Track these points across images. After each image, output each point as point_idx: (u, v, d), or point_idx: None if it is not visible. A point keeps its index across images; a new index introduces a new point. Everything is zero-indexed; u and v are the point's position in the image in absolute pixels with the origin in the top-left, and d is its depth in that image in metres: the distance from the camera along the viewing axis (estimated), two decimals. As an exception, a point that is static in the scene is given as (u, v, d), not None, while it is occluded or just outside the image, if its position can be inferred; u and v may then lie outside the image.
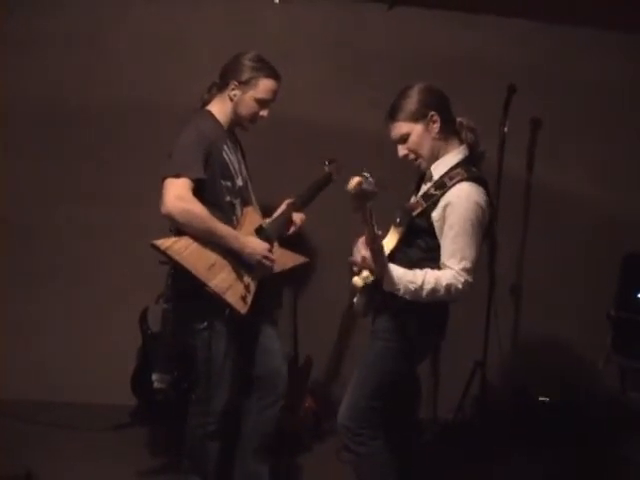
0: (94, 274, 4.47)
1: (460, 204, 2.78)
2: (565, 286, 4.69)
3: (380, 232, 2.65)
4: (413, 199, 2.97)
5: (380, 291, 2.85)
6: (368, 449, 2.99)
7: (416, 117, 2.88)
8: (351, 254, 2.90)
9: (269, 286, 3.34)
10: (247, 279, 3.12)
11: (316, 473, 3.93)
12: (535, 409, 4.52)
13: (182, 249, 2.95)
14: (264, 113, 3.25)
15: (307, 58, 4.50)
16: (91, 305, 4.47)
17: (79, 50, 4.35)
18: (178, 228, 3.02)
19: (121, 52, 4.38)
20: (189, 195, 2.97)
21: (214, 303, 3.02)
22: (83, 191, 4.42)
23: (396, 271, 2.75)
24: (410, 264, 2.81)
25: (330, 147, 3.98)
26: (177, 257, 2.94)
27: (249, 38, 4.22)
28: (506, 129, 4.26)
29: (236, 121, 3.25)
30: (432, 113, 2.87)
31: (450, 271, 2.76)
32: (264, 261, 3.14)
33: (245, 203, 3.27)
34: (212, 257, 3.02)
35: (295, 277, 4.41)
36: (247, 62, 3.18)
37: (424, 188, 2.98)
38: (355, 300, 3.01)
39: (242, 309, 3.07)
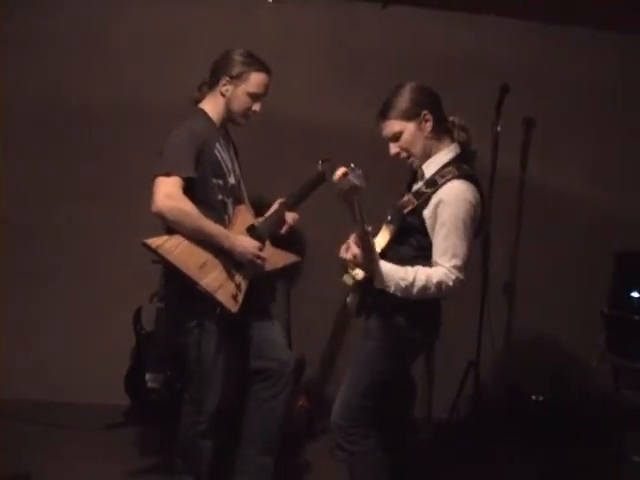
0: (93, 274, 4.47)
1: (451, 202, 2.78)
2: (558, 285, 4.70)
3: (370, 228, 2.65)
4: (405, 197, 2.97)
5: (372, 290, 2.85)
6: (361, 448, 2.99)
7: (409, 116, 2.88)
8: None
9: (263, 284, 3.35)
10: (238, 278, 3.12)
11: (310, 472, 3.94)
12: (528, 408, 4.52)
13: (173, 248, 2.95)
14: (256, 108, 3.25)
15: (301, 57, 4.51)
16: (87, 305, 4.47)
17: (79, 50, 4.36)
18: (169, 227, 3.02)
19: (120, 52, 4.38)
20: (179, 193, 2.97)
21: (205, 302, 3.02)
22: (83, 191, 4.42)
23: (387, 268, 2.75)
24: (402, 262, 2.80)
25: (324, 146, 3.98)
26: (168, 256, 2.94)
27: (244, 38, 4.21)
28: (499, 128, 4.27)
29: (229, 117, 3.25)
30: (425, 112, 2.88)
31: (441, 268, 2.76)
32: (255, 260, 3.14)
33: (237, 202, 3.27)
34: (203, 256, 3.02)
35: (288, 276, 4.42)
36: (237, 57, 3.18)
37: (416, 186, 2.98)
38: (348, 300, 3.01)
39: (233, 308, 3.07)
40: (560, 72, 4.66)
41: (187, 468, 3.26)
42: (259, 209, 3.44)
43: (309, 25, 4.55)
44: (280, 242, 3.44)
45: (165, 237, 2.98)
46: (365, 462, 3.02)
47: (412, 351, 3.07)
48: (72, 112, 4.37)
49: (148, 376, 3.84)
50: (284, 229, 3.39)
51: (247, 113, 3.25)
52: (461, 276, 2.77)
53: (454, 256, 2.76)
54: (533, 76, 4.60)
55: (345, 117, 4.46)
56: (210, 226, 3.03)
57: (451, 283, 2.75)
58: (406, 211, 2.86)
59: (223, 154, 3.20)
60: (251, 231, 3.18)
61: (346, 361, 3.30)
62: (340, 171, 2.50)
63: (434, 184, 2.84)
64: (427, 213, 2.83)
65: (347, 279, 2.90)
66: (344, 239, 2.92)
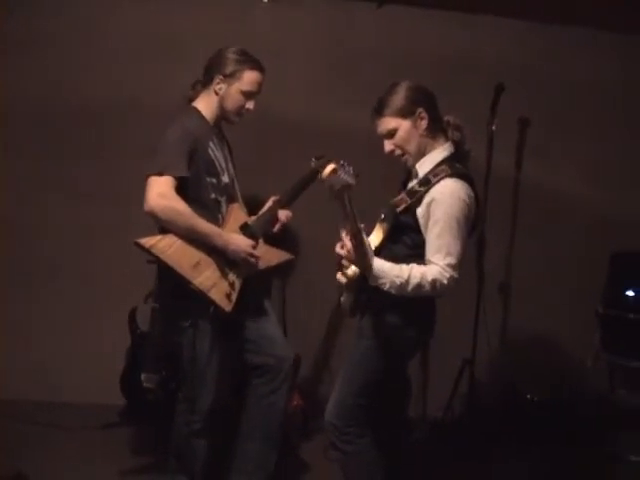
0: (89, 274, 4.47)
1: (444, 200, 2.78)
2: (553, 284, 4.70)
3: (363, 225, 2.65)
4: (398, 196, 2.96)
5: (366, 289, 2.86)
6: (355, 447, 2.99)
7: (404, 113, 2.88)
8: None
9: (257, 283, 3.35)
10: (232, 277, 3.12)
11: (304, 471, 3.93)
12: (524, 407, 4.52)
13: (166, 247, 2.95)
14: (250, 106, 3.25)
15: (297, 56, 4.51)
16: (82, 305, 4.46)
17: (79, 50, 4.35)
18: (162, 226, 3.02)
19: (120, 52, 4.37)
20: (172, 193, 2.97)
21: (199, 301, 3.02)
22: (81, 191, 4.42)
23: (382, 265, 2.74)
24: (395, 260, 2.79)
25: (319, 145, 3.96)
26: (161, 255, 2.94)
27: (241, 37, 4.20)
28: (494, 128, 4.27)
29: (222, 115, 3.25)
30: (420, 110, 2.88)
31: (436, 267, 2.75)
32: (248, 258, 3.14)
33: (231, 200, 3.28)
34: (197, 255, 3.03)
35: (283, 275, 4.42)
36: (231, 55, 3.18)
37: (410, 185, 2.98)
38: (342, 299, 3.01)
39: (227, 307, 3.07)
40: (555, 72, 4.66)
41: (181, 467, 3.26)
42: (253, 207, 3.44)
43: (305, 24, 4.55)
44: (274, 240, 3.44)
45: (158, 237, 2.98)
46: (359, 462, 3.02)
47: (407, 350, 3.07)
48: (71, 112, 4.37)
49: (143, 376, 3.84)
50: (277, 227, 3.39)
51: (240, 111, 3.25)
52: (455, 274, 2.77)
53: (448, 254, 2.76)
54: (528, 76, 4.60)
55: (340, 116, 4.46)
56: (203, 225, 3.03)
57: (445, 281, 2.75)
58: (399, 210, 2.86)
59: (216, 153, 3.20)
60: (244, 229, 3.18)
61: (341, 360, 3.30)
62: (329, 168, 2.50)
63: (427, 183, 2.84)
64: (420, 211, 2.83)
65: (341, 277, 2.90)
66: (339, 237, 2.91)
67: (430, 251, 2.79)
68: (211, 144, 3.18)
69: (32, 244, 4.41)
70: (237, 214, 3.26)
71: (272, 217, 3.34)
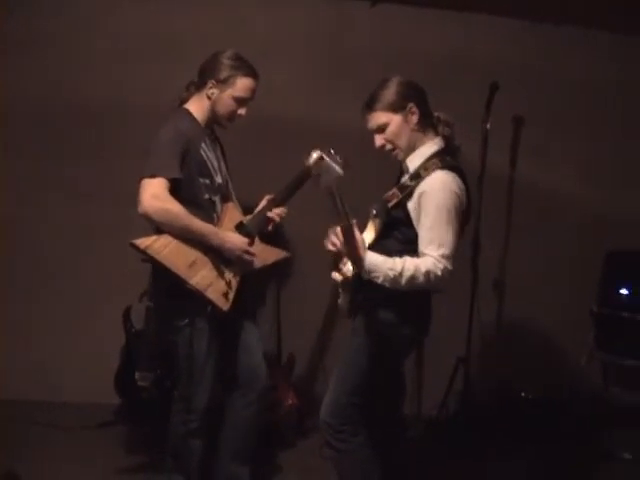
0: (83, 273, 4.47)
1: (435, 192, 2.78)
2: (548, 283, 4.71)
3: (355, 221, 2.65)
4: (390, 191, 2.96)
5: (362, 289, 2.86)
6: (349, 445, 2.98)
7: (395, 108, 2.89)
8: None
9: (251, 283, 3.34)
10: (228, 276, 3.12)
11: (299, 470, 3.93)
12: (518, 405, 4.54)
13: (162, 248, 2.94)
14: (242, 112, 3.24)
15: (291, 55, 4.51)
16: (77, 304, 4.47)
17: (78, 50, 4.35)
18: (157, 227, 3.02)
19: (119, 52, 4.37)
20: (165, 194, 2.97)
21: (195, 301, 3.02)
22: (79, 191, 4.42)
23: (375, 258, 2.74)
24: (388, 256, 2.79)
25: (314, 144, 3.97)
26: (157, 256, 2.93)
27: (236, 36, 4.21)
28: (489, 126, 4.28)
29: (214, 119, 3.25)
30: (411, 105, 2.89)
31: (429, 258, 2.74)
32: (244, 256, 3.14)
33: (225, 200, 3.27)
34: (192, 255, 3.02)
35: (278, 274, 4.41)
36: (225, 61, 3.17)
37: (401, 180, 2.98)
38: (339, 301, 3.02)
39: (224, 306, 3.07)
40: (550, 70, 4.67)
41: (177, 466, 3.25)
42: (248, 207, 3.44)
43: (299, 23, 4.55)
44: (268, 239, 3.43)
45: (154, 237, 2.97)
46: (353, 460, 3.02)
47: (402, 348, 3.07)
48: (71, 112, 4.37)
49: (138, 375, 3.84)
50: (272, 225, 3.38)
51: (232, 117, 3.24)
52: (449, 265, 2.76)
53: (441, 245, 2.75)
54: (523, 74, 4.60)
55: (335, 115, 4.45)
56: (198, 224, 3.03)
57: (439, 272, 2.73)
58: (391, 205, 2.86)
59: (209, 153, 3.20)
60: (240, 228, 3.18)
61: (335, 359, 3.30)
62: (315, 154, 2.50)
63: (418, 177, 2.84)
64: (411, 205, 2.83)
65: (336, 276, 2.91)
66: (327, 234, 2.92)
67: (423, 243, 2.78)
68: (203, 145, 3.18)
69: (29, 244, 4.41)
70: (232, 213, 3.25)
71: (267, 216, 3.34)
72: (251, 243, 3.18)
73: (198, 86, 3.23)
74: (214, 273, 3.07)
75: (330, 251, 2.86)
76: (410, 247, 2.82)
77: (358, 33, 4.56)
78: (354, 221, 2.64)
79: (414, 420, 4.53)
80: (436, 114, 3.00)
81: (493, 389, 4.62)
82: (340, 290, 3.02)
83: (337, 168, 2.57)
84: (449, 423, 4.40)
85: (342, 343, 3.17)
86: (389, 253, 2.81)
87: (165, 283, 3.06)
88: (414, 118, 2.89)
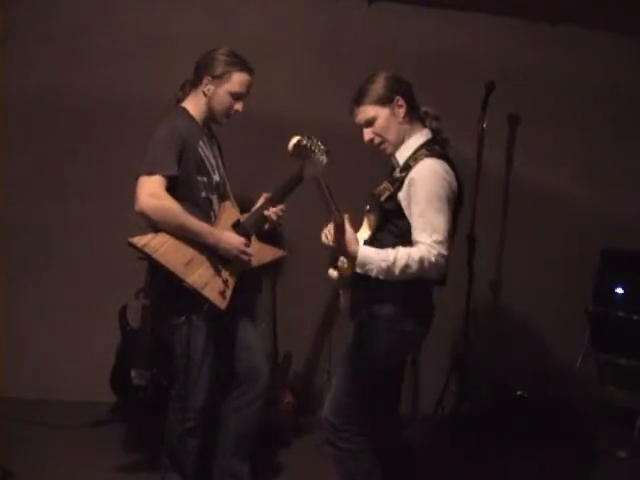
0: (79, 271, 4.46)
1: (423, 179, 2.77)
2: (544, 282, 4.72)
3: (347, 215, 2.66)
4: (381, 185, 2.96)
5: (362, 287, 2.86)
6: (351, 445, 2.97)
7: (383, 101, 2.89)
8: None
9: (249, 281, 3.34)
10: (225, 274, 3.11)
11: (296, 468, 3.92)
12: (514, 404, 4.54)
13: (159, 246, 2.94)
14: (238, 107, 3.24)
15: (287, 54, 4.51)
16: (73, 302, 4.46)
17: (72, 50, 4.35)
18: (154, 225, 3.01)
19: (113, 51, 4.37)
20: (162, 192, 2.97)
21: (193, 299, 3.02)
22: (72, 189, 4.42)
23: (367, 250, 2.74)
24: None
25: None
26: (154, 254, 2.93)
27: (232, 35, 4.21)
28: (485, 125, 4.29)
29: (211, 116, 3.24)
30: (398, 98, 2.89)
31: (423, 245, 2.72)
32: (241, 255, 3.13)
33: (222, 198, 3.26)
34: (189, 253, 3.02)
35: (274, 273, 4.41)
36: (220, 57, 3.17)
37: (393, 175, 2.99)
38: (341, 301, 3.02)
39: (221, 304, 3.06)
40: (546, 70, 4.69)
41: (173, 465, 3.24)
42: (245, 205, 3.44)
43: (295, 22, 4.55)
44: (266, 237, 3.43)
45: (150, 235, 2.97)
46: (355, 459, 2.99)
47: (404, 345, 3.03)
48: (65, 110, 4.37)
49: (133, 373, 3.84)
50: (269, 224, 3.38)
51: (229, 112, 3.24)
52: (443, 251, 2.74)
53: (434, 231, 2.73)
54: (519, 73, 4.62)
55: (331, 114, 4.43)
56: (194, 223, 3.02)
57: (433, 259, 2.71)
58: (383, 198, 2.86)
59: (206, 151, 3.20)
60: (237, 227, 3.18)
61: (332, 357, 3.31)
62: (295, 139, 2.50)
63: (408, 168, 2.84)
64: (402, 195, 2.82)
65: (332, 272, 2.91)
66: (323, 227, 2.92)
67: (416, 231, 2.77)
68: (200, 143, 3.18)
69: (23, 242, 4.40)
70: (229, 212, 3.25)
71: (264, 215, 3.33)
72: (248, 242, 3.18)
73: (194, 84, 3.23)
74: (211, 271, 3.06)
75: (328, 247, 2.86)
76: (405, 239, 2.80)
77: (354, 32, 4.57)
78: (347, 215, 2.66)
79: (410, 419, 4.53)
80: (424, 108, 3.00)
81: (489, 388, 4.63)
82: (340, 291, 3.02)
83: (320, 156, 2.57)
84: (445, 422, 4.41)
85: (338, 341, 3.17)
86: (385, 247, 2.80)
87: (162, 281, 3.05)
88: (401, 111, 2.90)
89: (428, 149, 2.87)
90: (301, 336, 4.61)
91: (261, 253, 3.35)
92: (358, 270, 2.76)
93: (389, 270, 2.72)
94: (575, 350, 4.60)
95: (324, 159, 2.61)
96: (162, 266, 2.95)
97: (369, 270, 2.74)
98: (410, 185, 2.79)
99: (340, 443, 2.97)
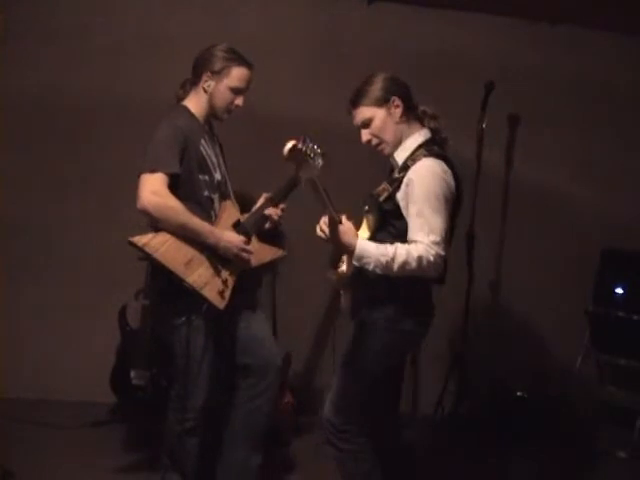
0: (78, 271, 4.46)
1: (421, 179, 2.77)
2: (543, 282, 4.72)
3: (345, 215, 2.67)
4: (380, 186, 2.96)
5: (363, 288, 2.86)
6: (352, 446, 2.96)
7: (379, 102, 2.90)
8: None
9: (251, 279, 3.34)
10: (225, 274, 3.11)
11: (295, 468, 3.94)
12: (513, 404, 4.54)
13: (159, 245, 2.94)
14: (239, 102, 3.24)
15: (287, 54, 4.51)
16: (73, 303, 4.46)
17: (71, 49, 4.35)
18: (154, 224, 3.01)
19: (112, 51, 4.37)
20: (164, 190, 2.97)
21: (192, 299, 3.02)
22: (70, 189, 4.41)
23: (366, 244, 2.74)
24: None
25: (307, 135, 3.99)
26: (154, 254, 2.93)
27: (231, 35, 4.20)
28: (484, 125, 4.29)
29: (212, 113, 3.25)
30: (394, 98, 2.90)
31: (421, 244, 2.72)
32: (241, 254, 3.13)
33: (224, 197, 3.26)
34: (189, 253, 3.02)
35: (274, 272, 4.41)
36: (219, 53, 3.18)
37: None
38: (342, 302, 3.02)
39: (220, 304, 3.06)
40: (546, 70, 4.69)
41: (173, 465, 3.24)
42: (245, 205, 3.43)
43: (295, 22, 4.56)
44: (266, 237, 3.43)
45: (151, 235, 2.97)
46: (356, 460, 2.98)
47: (404, 345, 3.03)
48: (65, 109, 4.37)
49: (133, 373, 3.84)
50: (270, 223, 3.38)
51: (230, 108, 3.24)
52: (441, 251, 2.73)
53: (431, 231, 2.73)
54: (519, 73, 4.62)
55: (331, 113, 4.44)
56: (195, 223, 3.02)
57: (432, 258, 2.70)
58: (382, 198, 2.86)
59: (208, 150, 3.20)
60: (237, 227, 3.18)
61: (331, 357, 3.30)
62: (290, 143, 2.50)
63: (406, 168, 2.84)
64: (400, 195, 2.82)
65: (331, 274, 2.91)
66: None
67: (412, 230, 2.76)
68: (202, 141, 3.18)
69: (23, 242, 4.40)
70: (230, 211, 3.25)
71: (264, 214, 3.33)
72: (248, 241, 3.18)
73: (193, 81, 3.24)
74: (210, 271, 3.06)
75: (326, 244, 2.86)
76: (404, 240, 2.80)
77: (354, 32, 4.57)
78: (343, 215, 2.68)
79: (410, 419, 4.53)
80: (421, 108, 3.00)
81: (488, 388, 4.62)
82: (341, 291, 3.02)
83: (316, 159, 2.57)
84: (444, 422, 4.40)
85: (338, 341, 3.17)
86: None
87: (162, 281, 3.05)
88: (398, 111, 2.91)
89: (426, 149, 2.87)
90: (301, 336, 4.60)
91: (261, 253, 3.34)
92: (355, 263, 2.76)
93: (387, 265, 2.71)
94: (575, 350, 4.60)
95: (320, 162, 2.61)
96: (162, 266, 2.94)
97: (366, 264, 2.73)
98: (408, 185, 2.79)
99: (340, 443, 2.97)
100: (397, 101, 2.90)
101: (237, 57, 3.20)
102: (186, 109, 3.21)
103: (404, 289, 2.80)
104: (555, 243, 4.74)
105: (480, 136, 4.31)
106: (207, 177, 3.17)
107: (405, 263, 2.70)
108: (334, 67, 4.54)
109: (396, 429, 3.32)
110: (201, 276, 3.02)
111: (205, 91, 3.19)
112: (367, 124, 2.93)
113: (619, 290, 4.47)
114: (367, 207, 2.93)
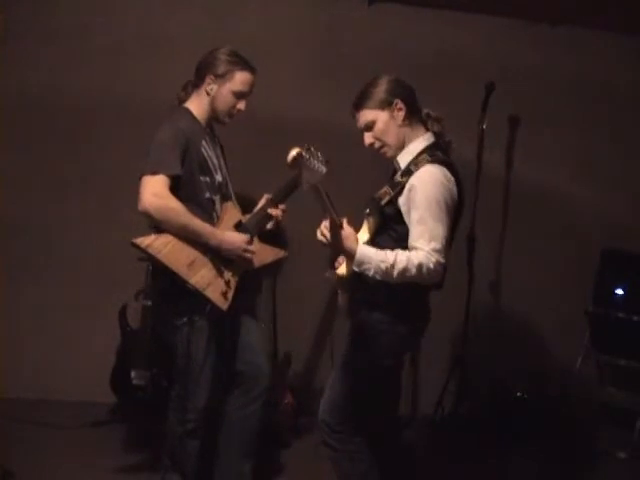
0: (79, 272, 4.45)
1: (423, 185, 2.77)
2: (543, 283, 4.72)
3: (346, 219, 2.67)
4: (382, 189, 2.95)
5: (360, 289, 2.86)
6: (347, 446, 2.97)
7: (382, 105, 2.90)
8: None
9: (250, 282, 3.34)
10: (227, 275, 3.12)
11: (295, 468, 3.93)
12: (513, 404, 4.54)
13: (162, 246, 2.94)
14: (241, 106, 3.24)
15: (288, 54, 4.50)
16: (73, 303, 4.45)
17: (71, 49, 4.34)
18: (156, 225, 3.01)
19: (113, 51, 4.36)
20: (166, 192, 2.97)
21: (195, 300, 3.02)
22: (70, 189, 4.41)
23: (366, 250, 2.73)
24: None
25: (313, 144, 3.98)
26: (157, 255, 2.93)
27: (232, 36, 4.21)
28: (484, 126, 4.29)
29: (214, 116, 3.25)
30: (397, 101, 2.89)
31: (421, 251, 2.71)
32: (244, 254, 3.14)
33: (225, 199, 3.26)
34: (192, 254, 3.02)
35: (274, 273, 4.41)
36: (222, 56, 3.18)
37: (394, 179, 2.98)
38: (339, 301, 3.02)
39: (223, 305, 3.07)
40: (546, 70, 4.68)
41: (174, 466, 3.25)
42: (246, 206, 3.43)
43: (295, 22, 4.55)
44: (267, 237, 3.43)
45: (154, 236, 2.97)
46: (352, 460, 2.99)
47: (398, 347, 3.01)
48: (65, 109, 4.36)
49: (133, 373, 3.83)
50: (271, 224, 3.38)
51: (232, 112, 3.24)
52: (441, 259, 2.73)
53: (432, 239, 2.72)
54: (519, 74, 4.61)
55: (331, 114, 4.45)
56: (197, 224, 3.02)
57: (432, 265, 2.70)
58: (383, 202, 2.86)
59: (209, 152, 3.20)
60: (239, 228, 3.19)
61: (332, 358, 3.31)
62: (293, 152, 2.50)
63: (409, 173, 2.83)
64: (402, 200, 2.82)
65: (330, 275, 2.91)
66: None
67: (413, 237, 2.76)
68: (204, 143, 3.18)
69: (23, 242, 4.39)
70: (231, 213, 3.25)
71: (266, 215, 3.34)
72: (250, 242, 3.18)
73: (196, 84, 3.23)
74: (213, 272, 3.07)
75: (324, 245, 2.86)
76: (403, 244, 2.80)
77: (354, 32, 4.56)
78: (344, 219, 2.68)
79: (410, 419, 4.54)
80: (425, 111, 3.00)
81: (488, 389, 4.63)
82: (339, 291, 3.02)
83: (319, 166, 2.57)
84: (444, 422, 4.41)
85: (338, 341, 3.17)
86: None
87: (164, 282, 3.06)
88: (401, 114, 2.90)
89: (430, 154, 2.86)
90: (301, 336, 4.60)
91: (262, 254, 3.34)
92: (355, 268, 2.76)
93: (387, 272, 2.71)
94: (575, 351, 4.60)
95: (323, 169, 2.61)
96: (165, 267, 2.95)
97: (366, 269, 2.73)
98: (410, 191, 2.79)
99: (336, 444, 2.98)
100: (400, 104, 2.89)
101: (241, 61, 3.20)
102: (188, 111, 3.21)
103: (401, 293, 2.80)
104: (555, 243, 4.75)
105: (480, 137, 4.31)
106: (208, 179, 3.17)
107: (405, 270, 2.70)
108: (334, 67, 4.54)
109: (396, 429, 3.33)
110: (204, 277, 3.02)
111: (208, 94, 3.19)
112: (370, 127, 2.93)
113: (619, 291, 4.48)
114: (368, 210, 2.92)
